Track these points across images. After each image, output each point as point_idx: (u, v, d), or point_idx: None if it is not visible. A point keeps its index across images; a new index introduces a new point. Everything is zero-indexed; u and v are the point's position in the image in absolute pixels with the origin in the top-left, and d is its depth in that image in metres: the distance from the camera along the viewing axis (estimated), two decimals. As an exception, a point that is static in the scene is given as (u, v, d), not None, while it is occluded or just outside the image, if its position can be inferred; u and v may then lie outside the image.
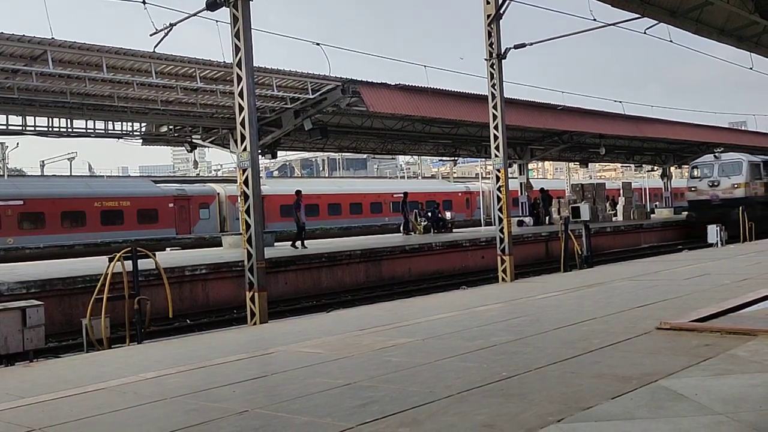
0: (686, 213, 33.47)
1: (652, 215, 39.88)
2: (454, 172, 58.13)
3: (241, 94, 11.04)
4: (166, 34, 13.31)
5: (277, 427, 4.63)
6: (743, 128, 49.84)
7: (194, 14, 12.37)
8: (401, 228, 29.12)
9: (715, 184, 30.92)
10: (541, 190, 35.35)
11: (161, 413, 5.26)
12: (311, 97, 20.46)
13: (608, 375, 5.46)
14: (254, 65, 11.50)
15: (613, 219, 35.73)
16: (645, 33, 16.47)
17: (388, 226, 36.69)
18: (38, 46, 14.72)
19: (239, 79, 11.02)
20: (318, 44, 18.12)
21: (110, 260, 10.60)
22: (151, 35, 13.35)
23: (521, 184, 34.42)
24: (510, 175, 17.39)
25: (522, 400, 4.90)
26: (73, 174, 44.22)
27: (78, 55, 15.63)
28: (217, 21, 13.08)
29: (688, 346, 6.40)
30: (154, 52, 15.10)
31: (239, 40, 10.90)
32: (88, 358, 8.82)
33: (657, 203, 50.86)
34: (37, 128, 19.67)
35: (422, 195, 37.70)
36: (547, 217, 33.45)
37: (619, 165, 70.72)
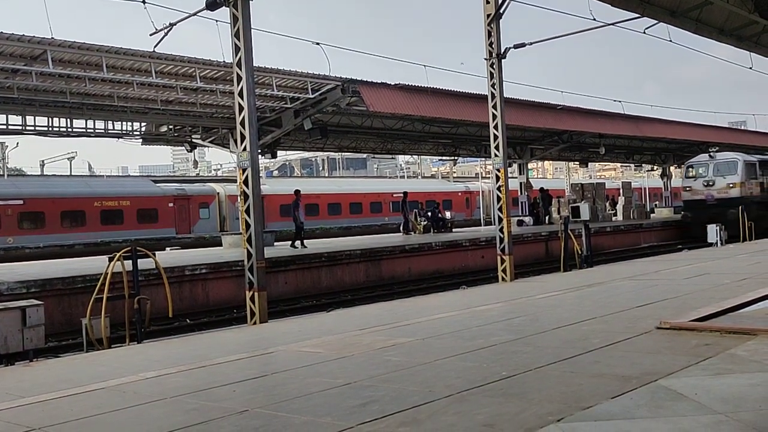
0: (681, 213, 33.31)
1: (651, 215, 39.87)
2: (454, 172, 58.11)
3: (241, 94, 11.04)
4: (166, 34, 13.32)
5: (277, 427, 4.63)
6: (743, 128, 49.83)
7: (194, 14, 12.37)
8: (401, 228, 29.12)
9: (710, 183, 30.68)
10: (541, 189, 35.35)
11: (161, 413, 5.26)
12: (311, 96, 20.45)
13: (608, 374, 5.46)
14: (254, 65, 11.50)
15: (613, 219, 35.72)
16: (645, 33, 16.49)
17: (387, 226, 36.69)
18: (38, 46, 14.72)
19: (239, 78, 11.02)
20: (318, 44, 18.14)
21: (110, 260, 10.61)
22: (151, 35, 13.36)
23: (521, 183, 34.42)
24: (510, 175, 17.37)
25: (522, 399, 4.90)
26: (72, 174, 44.24)
27: (78, 55, 15.63)
28: (217, 21, 13.09)
29: (687, 345, 6.40)
30: (154, 51, 15.09)
31: (239, 40, 10.90)
32: (87, 358, 8.82)
33: (657, 203, 50.87)
34: (37, 128, 19.66)
35: (422, 195, 37.69)
36: (546, 217, 33.45)
37: (618, 164, 70.74)
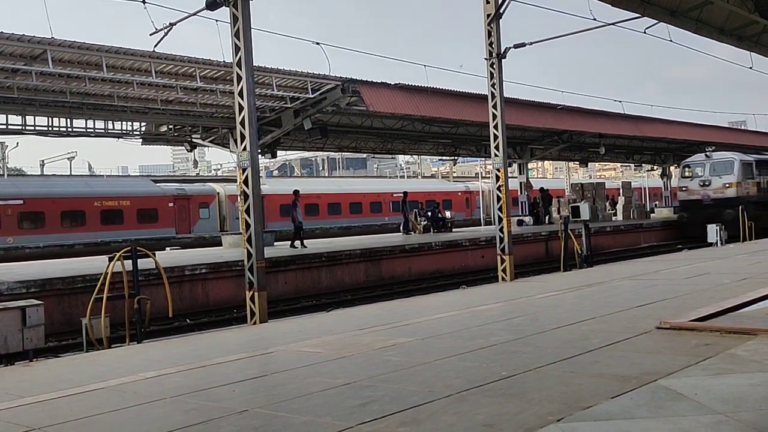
0: (677, 213, 33.06)
1: (651, 215, 39.86)
2: (454, 172, 58.12)
3: (240, 94, 11.03)
4: (166, 34, 13.31)
5: (277, 427, 4.63)
6: (743, 127, 49.83)
7: (194, 14, 12.37)
8: (401, 227, 29.12)
9: (707, 183, 30.39)
10: (541, 189, 35.34)
11: (161, 413, 5.26)
12: (311, 96, 20.45)
13: (608, 374, 5.46)
14: (254, 65, 11.50)
15: (613, 218, 35.72)
16: (645, 32, 16.49)
17: (387, 226, 36.69)
18: (38, 46, 14.72)
19: (239, 78, 11.02)
20: (318, 44, 18.16)
21: (110, 260, 10.60)
22: (150, 35, 13.35)
23: (521, 183, 34.42)
24: (510, 175, 17.37)
25: (522, 399, 4.90)
26: (72, 173, 44.23)
27: (78, 55, 15.63)
28: (217, 20, 13.09)
29: (687, 345, 6.40)
30: (154, 51, 15.09)
31: (239, 40, 10.90)
32: (87, 358, 8.82)
33: (657, 203, 50.87)
34: (36, 128, 19.66)
35: (422, 194, 37.69)
36: (546, 217, 33.44)
37: (618, 164, 70.71)
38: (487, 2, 14.84)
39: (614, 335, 7.06)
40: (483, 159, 44.37)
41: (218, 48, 23.04)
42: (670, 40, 17.51)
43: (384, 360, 6.62)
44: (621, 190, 38.98)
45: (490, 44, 14.88)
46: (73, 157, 46.17)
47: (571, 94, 41.27)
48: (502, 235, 15.02)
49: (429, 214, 29.50)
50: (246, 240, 11.11)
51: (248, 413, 5.01)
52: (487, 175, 42.21)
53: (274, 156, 26.54)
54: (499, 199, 15.12)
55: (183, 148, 26.47)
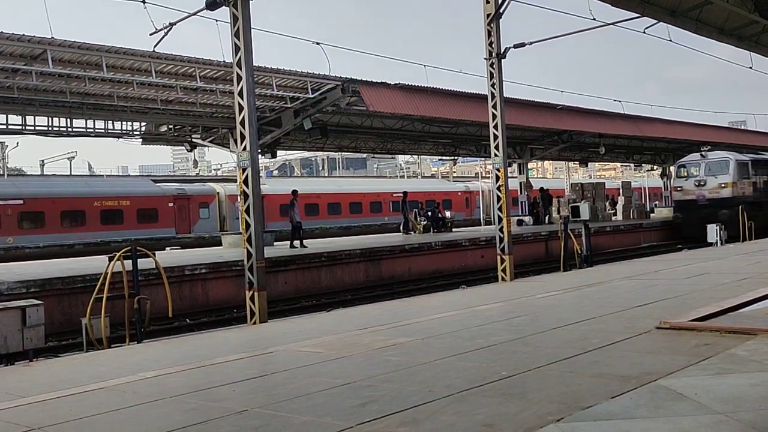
0: (673, 214, 32.76)
1: (651, 214, 39.86)
2: (454, 172, 58.12)
3: (240, 94, 11.03)
4: (166, 34, 13.30)
5: (277, 427, 4.63)
6: (743, 127, 49.82)
7: (194, 13, 12.37)
8: (401, 227, 29.12)
9: (702, 183, 30.06)
10: (541, 189, 35.34)
11: (160, 413, 5.26)
12: (311, 96, 20.45)
13: (608, 374, 5.46)
14: (254, 65, 11.50)
15: (613, 218, 35.72)
16: (644, 32, 16.47)
17: (387, 226, 36.69)
18: (38, 46, 14.72)
19: (239, 78, 11.02)
20: (318, 43, 18.16)
21: (110, 259, 10.60)
22: (150, 35, 13.35)
23: (521, 183, 34.42)
24: (510, 175, 17.36)
25: (521, 399, 4.90)
26: (72, 173, 44.22)
27: (78, 55, 15.63)
28: (216, 20, 13.09)
29: (687, 345, 6.40)
30: (153, 51, 15.09)
31: (239, 40, 10.89)
32: (87, 358, 8.82)
33: (657, 202, 50.85)
34: (36, 128, 19.67)
35: (422, 194, 37.68)
36: (546, 217, 33.44)
37: (618, 164, 70.72)
38: (487, 2, 14.84)
39: (614, 335, 7.06)
40: (483, 159, 44.38)
41: (218, 48, 23.05)
42: (670, 40, 17.53)
43: (384, 360, 6.62)
44: (621, 190, 38.97)
45: (490, 44, 14.88)
46: (73, 157, 46.18)
47: (571, 94, 41.30)
48: (501, 235, 15.02)
49: (429, 214, 29.51)
50: (246, 240, 11.11)
51: (248, 413, 5.01)
52: (487, 175, 42.23)
53: (274, 156, 26.54)
54: (499, 199, 15.12)
55: (183, 148, 26.48)
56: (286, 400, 5.31)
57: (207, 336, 10.85)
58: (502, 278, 14.96)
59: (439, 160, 58.04)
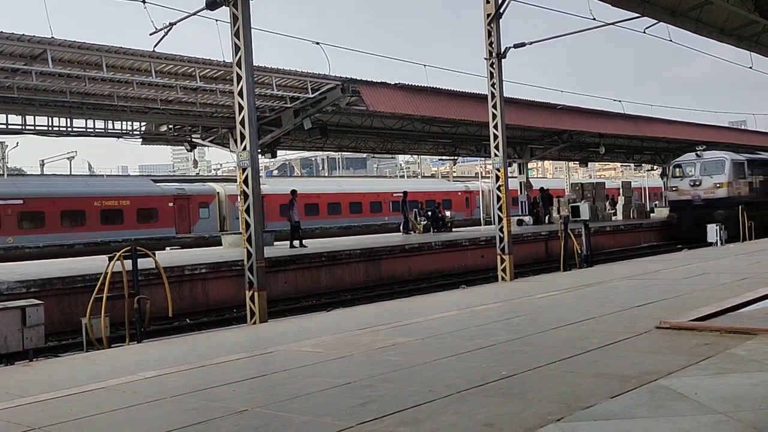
0: (667, 214, 32.48)
1: (651, 214, 39.86)
2: (454, 172, 58.12)
3: (240, 94, 11.03)
4: (166, 34, 13.30)
5: (277, 426, 4.63)
6: (743, 127, 49.83)
7: (194, 13, 12.37)
8: (401, 227, 29.12)
9: (697, 183, 29.70)
10: (541, 189, 35.34)
11: (160, 412, 5.26)
12: (311, 96, 20.46)
13: (608, 374, 5.46)
14: (254, 64, 11.50)
15: (613, 218, 35.71)
16: (645, 32, 16.47)
17: (387, 226, 36.69)
18: (38, 46, 14.72)
19: (239, 78, 11.02)
20: (318, 43, 18.16)
21: (110, 259, 10.60)
22: (150, 34, 13.34)
23: (521, 183, 34.43)
24: (510, 175, 17.37)
25: (521, 399, 4.90)
26: (72, 173, 44.24)
27: (78, 55, 15.63)
28: (216, 20, 13.09)
29: (687, 345, 6.40)
30: (153, 51, 15.09)
31: (239, 40, 10.89)
32: (87, 358, 8.82)
33: (657, 202, 50.90)
34: (36, 127, 19.68)
35: (422, 194, 37.69)
36: (546, 217, 33.45)
37: (618, 164, 70.74)
38: (487, 2, 14.84)
39: (614, 335, 7.06)
40: (483, 159, 44.35)
41: (218, 48, 23.03)
42: (670, 40, 17.52)
43: (384, 360, 6.62)
44: (621, 190, 38.97)
45: (490, 44, 14.88)
46: (73, 157, 46.21)
47: (571, 94, 41.22)
48: (501, 235, 15.02)
49: (429, 213, 29.50)
50: (246, 240, 11.11)
51: (248, 413, 5.01)
52: (487, 175, 42.21)
53: (274, 156, 26.56)
54: (499, 198, 15.12)
55: (183, 147, 26.49)
56: (286, 400, 5.31)
57: (207, 336, 10.86)
58: (502, 278, 14.96)
59: (439, 160, 58.04)
